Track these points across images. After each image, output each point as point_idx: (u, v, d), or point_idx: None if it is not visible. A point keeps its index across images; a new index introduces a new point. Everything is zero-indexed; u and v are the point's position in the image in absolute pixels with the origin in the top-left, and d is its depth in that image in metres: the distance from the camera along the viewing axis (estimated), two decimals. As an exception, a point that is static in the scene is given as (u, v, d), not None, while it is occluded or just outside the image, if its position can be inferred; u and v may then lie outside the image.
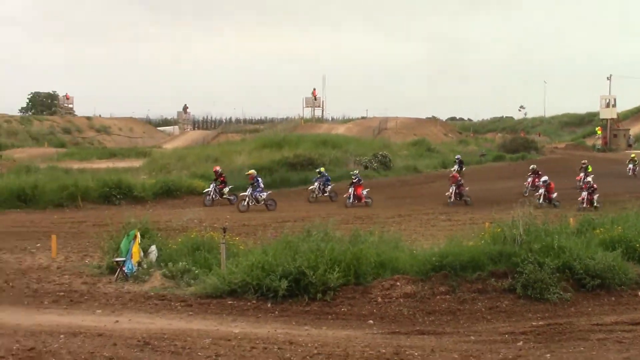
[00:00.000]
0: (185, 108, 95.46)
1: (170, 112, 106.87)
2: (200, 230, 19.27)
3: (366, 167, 38.35)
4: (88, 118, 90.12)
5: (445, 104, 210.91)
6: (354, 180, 32.15)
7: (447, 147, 64.16)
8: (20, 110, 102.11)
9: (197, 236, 17.41)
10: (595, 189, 30.58)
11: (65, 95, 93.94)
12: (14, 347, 10.04)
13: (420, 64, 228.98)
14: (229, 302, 13.69)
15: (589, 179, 33.10)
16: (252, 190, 29.64)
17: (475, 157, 58.26)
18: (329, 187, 33.74)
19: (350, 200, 31.24)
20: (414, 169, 47.91)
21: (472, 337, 11.61)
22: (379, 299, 13.79)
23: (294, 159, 43.41)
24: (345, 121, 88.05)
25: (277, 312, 13.18)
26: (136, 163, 47.88)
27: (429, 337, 11.69)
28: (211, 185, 31.61)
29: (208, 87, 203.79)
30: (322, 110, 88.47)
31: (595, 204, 29.40)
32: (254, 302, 13.66)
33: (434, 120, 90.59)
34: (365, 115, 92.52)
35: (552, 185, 31.43)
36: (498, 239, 15.57)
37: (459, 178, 33.21)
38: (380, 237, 16.33)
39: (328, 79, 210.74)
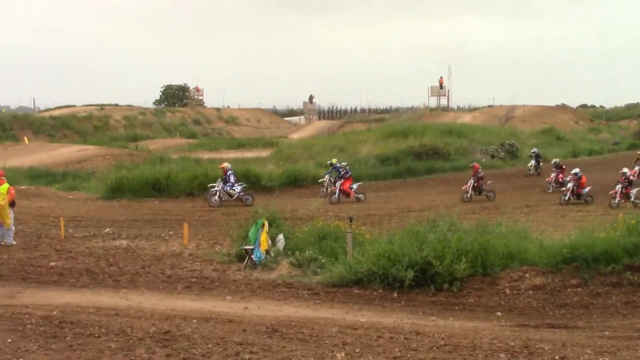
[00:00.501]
0: (311, 98, 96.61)
1: (297, 103, 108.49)
2: (326, 220, 19.52)
3: (493, 157, 37.63)
4: (217, 109, 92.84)
5: (575, 90, 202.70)
6: (341, 173, 30.04)
7: (578, 136, 61.83)
8: (154, 103, 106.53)
9: (323, 225, 17.66)
10: (632, 181, 27.44)
11: (196, 88, 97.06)
12: (151, 330, 10.57)
13: (548, 49, 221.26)
14: (355, 291, 13.82)
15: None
16: (223, 184, 28.47)
17: (608, 145, 55.80)
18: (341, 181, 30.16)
19: (336, 196, 29.17)
20: (543, 158, 46.43)
21: (607, 333, 11.18)
22: (507, 291, 13.53)
23: (419, 149, 43.13)
24: (471, 110, 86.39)
25: (403, 302, 13.18)
26: (263, 153, 49.01)
27: (559, 331, 11.35)
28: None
29: (334, 77, 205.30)
30: (448, 99, 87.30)
31: (633, 199, 26.56)
32: (380, 291, 13.72)
33: (563, 107, 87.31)
34: (491, 104, 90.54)
35: (584, 178, 28.52)
36: (634, 231, 14.88)
37: (479, 170, 30.19)
38: (508, 228, 15.99)
39: (454, 67, 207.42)
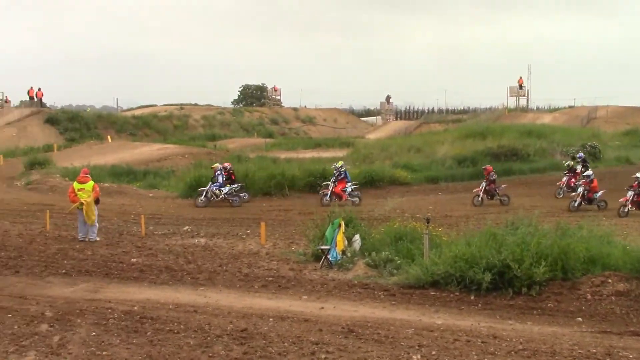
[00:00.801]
0: (388, 98, 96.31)
1: (373, 103, 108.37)
2: (402, 220, 19.45)
3: (573, 158, 36.58)
4: (294, 109, 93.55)
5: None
6: (335, 175, 29.01)
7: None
8: (233, 103, 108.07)
9: (399, 226, 17.61)
10: None
11: (274, 87, 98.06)
12: (229, 328, 10.77)
13: (633, 49, 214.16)
14: (432, 293, 13.73)
15: None
16: (212, 184, 28.63)
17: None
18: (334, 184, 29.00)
19: (327, 198, 28.30)
20: (626, 160, 45.02)
21: (695, 342, 10.79)
22: (588, 296, 13.19)
23: (497, 150, 42.47)
24: (551, 110, 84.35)
25: (480, 305, 13.03)
26: (340, 153, 49.06)
27: (645, 339, 11.03)
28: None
29: (411, 77, 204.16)
30: (527, 100, 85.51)
31: None
32: (457, 294, 13.59)
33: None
34: (572, 105, 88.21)
35: (595, 182, 27.15)
36: None
37: (492, 173, 28.97)
38: (590, 232, 15.60)
39: (533, 67, 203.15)
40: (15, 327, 10.68)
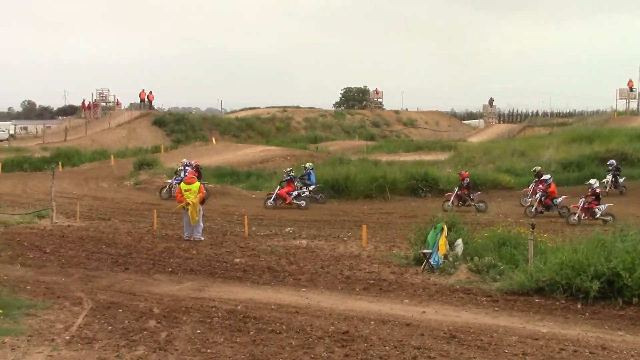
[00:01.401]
0: (491, 101, 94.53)
1: (476, 106, 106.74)
2: (506, 225, 19.06)
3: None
4: (396, 112, 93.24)
5: None
6: (284, 179, 29.74)
7: None
8: (334, 105, 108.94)
9: (503, 231, 17.28)
10: (598, 193, 24.69)
11: (375, 90, 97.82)
12: (330, 329, 10.83)
13: None
14: (536, 300, 13.39)
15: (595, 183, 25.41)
16: (174, 178, 31.21)
17: None
18: (312, 187, 30.08)
19: (271, 201, 28.71)
20: None
21: None
22: None
23: (605, 154, 40.94)
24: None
25: (587, 314, 12.60)
26: (441, 156, 48.57)
27: None
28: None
29: (515, 80, 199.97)
30: (638, 103, 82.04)
31: (598, 216, 24.03)
32: (563, 301, 13.19)
33: None
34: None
35: (553, 186, 26.11)
36: None
37: (466, 178, 28.35)
38: None
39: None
40: (126, 322, 11.09)
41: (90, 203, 29.37)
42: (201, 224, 20.58)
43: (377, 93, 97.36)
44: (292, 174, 30.21)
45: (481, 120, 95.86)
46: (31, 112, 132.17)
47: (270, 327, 10.94)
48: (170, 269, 16.29)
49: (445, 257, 16.22)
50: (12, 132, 71.34)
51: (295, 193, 29.09)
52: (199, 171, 30.87)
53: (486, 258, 15.59)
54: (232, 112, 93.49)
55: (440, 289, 14.42)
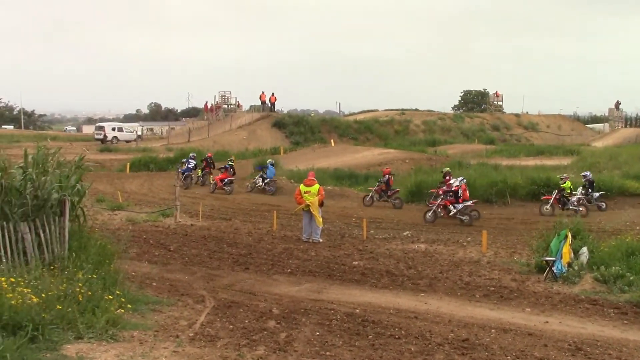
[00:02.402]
0: (617, 104, 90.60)
1: (600, 109, 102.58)
2: (635, 234, 18.22)
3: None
4: (516, 115, 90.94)
5: None
6: (223, 167, 36.04)
7: None
8: (453, 108, 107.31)
9: (632, 240, 16.52)
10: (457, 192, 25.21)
11: (495, 93, 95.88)
12: (449, 336, 10.66)
13: None
14: (669, 314, 12.71)
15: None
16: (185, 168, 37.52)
17: None
18: (269, 179, 34.94)
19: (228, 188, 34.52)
20: None
21: None
22: None
23: None
24: None
25: None
26: (564, 161, 46.97)
27: None
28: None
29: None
30: None
31: (455, 213, 24.90)
32: (699, 317, 12.47)
33: None
34: None
35: (464, 187, 26.21)
36: None
37: (388, 174, 30.85)
38: None
39: None
40: (246, 321, 11.30)
41: (212, 203, 30.22)
42: (320, 226, 20.77)
43: (497, 96, 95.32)
44: (231, 163, 36.66)
45: (606, 124, 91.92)
46: (157, 114, 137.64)
47: (389, 331, 10.89)
48: (289, 270, 16.50)
49: (569, 265, 15.66)
50: (139, 133, 74.16)
51: (226, 180, 34.60)
52: (207, 161, 38.14)
53: (613, 268, 14.93)
54: (351, 114, 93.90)
55: (563, 299, 13.93)
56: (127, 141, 67.79)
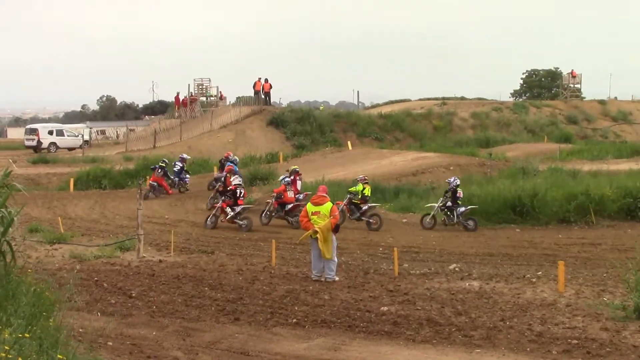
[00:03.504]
0: None
1: None
2: None
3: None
4: (601, 102, 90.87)
5: None
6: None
7: None
8: (513, 95, 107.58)
9: None
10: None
11: (571, 73, 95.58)
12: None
13: None
14: None
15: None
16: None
17: None
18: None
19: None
20: None
21: None
22: None
23: None
24: None
25: None
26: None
27: None
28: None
29: None
30: None
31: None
32: None
33: None
34: None
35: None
36: None
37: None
38: None
39: None
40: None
41: (188, 231, 30.22)
42: (335, 259, 20.68)
43: (574, 77, 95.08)
44: (163, 165, 41.95)
45: None
46: (110, 110, 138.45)
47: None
48: (294, 320, 16.42)
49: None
50: (86, 137, 74.00)
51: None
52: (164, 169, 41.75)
53: None
54: (373, 106, 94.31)
55: (676, 355, 13.78)
56: (70, 148, 68.01)
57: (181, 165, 43.10)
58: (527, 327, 15.72)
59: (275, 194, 32.52)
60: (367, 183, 32.97)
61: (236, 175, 33.50)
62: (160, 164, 42.26)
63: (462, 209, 30.53)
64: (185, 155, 44.98)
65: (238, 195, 30.64)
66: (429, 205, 31.86)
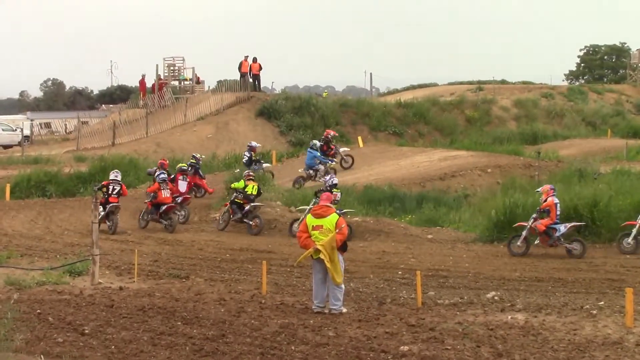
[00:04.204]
0: None
1: None
2: None
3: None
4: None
5: None
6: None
7: None
8: (567, 78, 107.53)
9: None
10: None
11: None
12: None
13: None
14: None
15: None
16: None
17: None
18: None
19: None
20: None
21: None
22: None
23: None
24: None
25: None
26: None
27: None
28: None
29: None
30: None
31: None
32: None
33: None
34: None
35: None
36: None
37: None
38: None
39: None
40: None
41: (156, 250, 30.22)
42: (342, 286, 20.65)
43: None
44: (194, 161, 43.56)
45: None
46: (57, 98, 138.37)
47: None
48: (291, 364, 16.43)
49: None
50: (26, 131, 73.57)
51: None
52: (195, 167, 42.72)
53: None
54: (390, 92, 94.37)
55: None
56: (6, 146, 67.90)
57: (249, 155, 44.66)
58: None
59: (149, 193, 36.56)
60: (252, 180, 36.37)
61: (115, 173, 36.64)
62: (191, 160, 43.49)
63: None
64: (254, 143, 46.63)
65: (110, 192, 34.23)
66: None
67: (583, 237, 30.26)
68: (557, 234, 28.95)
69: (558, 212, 29.16)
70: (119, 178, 37.14)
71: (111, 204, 34.31)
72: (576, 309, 20.41)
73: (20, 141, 68.66)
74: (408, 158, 51.30)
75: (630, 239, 28.54)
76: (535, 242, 29.47)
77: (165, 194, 35.57)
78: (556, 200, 29.26)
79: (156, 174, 37.00)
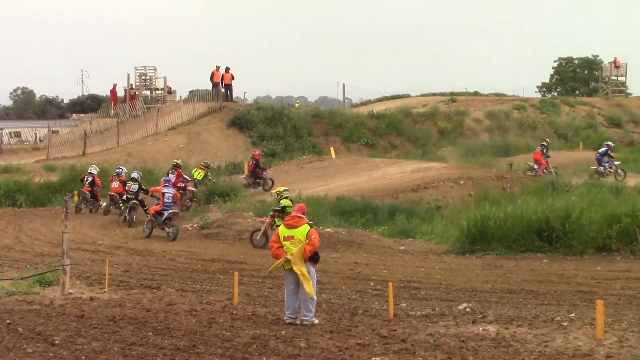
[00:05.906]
0: None
1: None
2: None
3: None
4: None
5: None
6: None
7: None
8: (540, 90, 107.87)
9: None
10: None
11: (614, 62, 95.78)
12: None
13: None
14: None
15: None
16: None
17: None
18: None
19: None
20: None
21: None
22: None
23: None
24: None
25: None
26: None
27: None
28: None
29: None
30: None
31: None
32: None
33: None
34: None
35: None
36: None
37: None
38: None
39: None
40: None
41: (128, 260, 30.19)
42: (314, 298, 20.67)
43: (618, 67, 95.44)
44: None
45: None
46: (27, 107, 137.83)
47: None
48: (262, 374, 16.45)
49: None
50: (-4, 141, 73.80)
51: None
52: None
53: None
54: (362, 103, 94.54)
55: None
56: (-26, 156, 67.65)
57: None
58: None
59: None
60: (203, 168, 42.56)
61: (91, 168, 42.26)
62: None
63: None
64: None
65: (85, 182, 39.14)
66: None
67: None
68: None
69: None
70: (93, 171, 41.78)
71: (131, 201, 39.16)
72: (547, 320, 20.50)
73: (-11, 150, 68.60)
74: (380, 169, 51.41)
75: None
76: None
77: (114, 185, 40.71)
78: None
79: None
